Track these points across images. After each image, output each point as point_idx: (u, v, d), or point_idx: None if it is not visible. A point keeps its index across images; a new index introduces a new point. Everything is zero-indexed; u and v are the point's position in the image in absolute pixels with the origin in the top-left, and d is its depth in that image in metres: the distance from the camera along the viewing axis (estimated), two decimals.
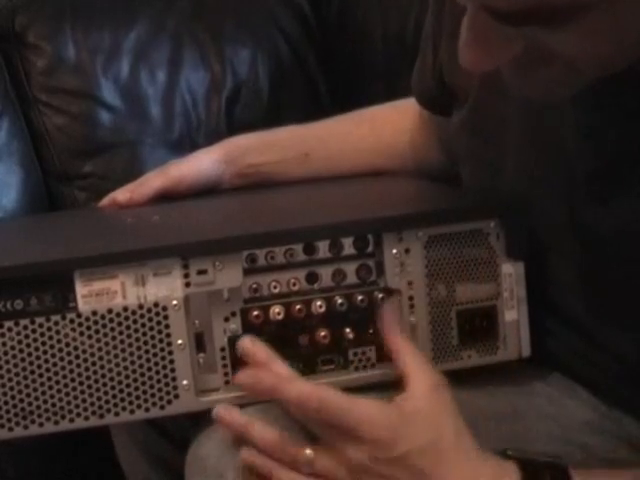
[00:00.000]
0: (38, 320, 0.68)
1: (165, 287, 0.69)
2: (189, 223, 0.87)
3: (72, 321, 0.68)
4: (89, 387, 0.69)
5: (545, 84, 0.58)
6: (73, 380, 0.69)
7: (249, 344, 0.70)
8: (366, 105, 1.05)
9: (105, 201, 1.01)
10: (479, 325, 0.74)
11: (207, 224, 0.86)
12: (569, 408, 0.75)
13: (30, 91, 1.44)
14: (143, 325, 0.69)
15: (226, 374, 0.71)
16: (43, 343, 0.68)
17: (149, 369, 0.69)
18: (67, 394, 0.69)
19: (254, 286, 0.71)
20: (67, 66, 1.44)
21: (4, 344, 0.68)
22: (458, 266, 0.73)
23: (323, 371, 0.73)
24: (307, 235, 0.72)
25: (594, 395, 0.75)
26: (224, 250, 0.70)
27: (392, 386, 0.70)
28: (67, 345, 0.68)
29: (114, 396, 0.69)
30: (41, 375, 0.68)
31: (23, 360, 0.68)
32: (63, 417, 0.69)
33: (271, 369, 0.68)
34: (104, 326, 0.69)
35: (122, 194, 0.98)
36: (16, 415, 0.69)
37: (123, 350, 0.69)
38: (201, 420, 0.73)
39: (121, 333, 0.69)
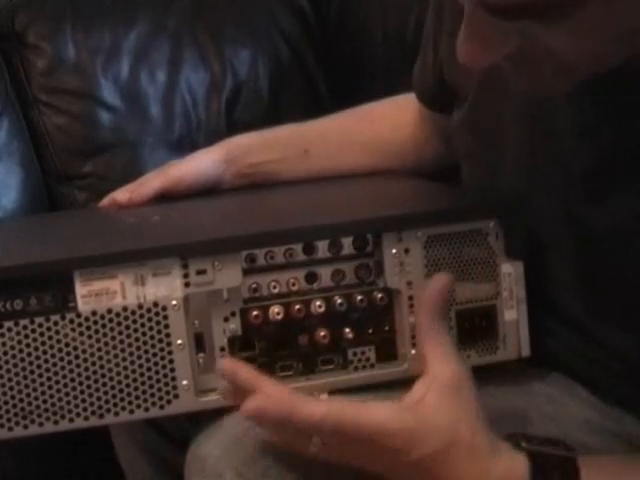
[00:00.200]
0: (38, 320, 0.68)
1: (164, 287, 0.69)
2: (189, 223, 0.87)
3: (72, 321, 0.68)
4: (89, 387, 0.69)
5: (542, 80, 0.58)
6: (73, 380, 0.69)
7: (231, 366, 0.67)
8: (366, 104, 1.05)
9: (105, 201, 1.01)
10: (478, 325, 0.74)
11: (207, 224, 0.86)
12: (569, 407, 0.75)
13: (30, 91, 1.44)
14: (143, 325, 0.69)
15: None
16: (43, 343, 0.68)
17: (149, 369, 0.69)
18: (67, 394, 0.69)
19: (253, 286, 0.71)
20: (67, 66, 1.44)
21: (4, 344, 0.68)
22: (457, 266, 0.73)
23: (322, 371, 0.73)
24: (306, 235, 0.72)
25: (594, 394, 0.75)
26: (223, 250, 0.70)
27: (392, 386, 0.70)
28: (67, 345, 0.68)
29: (114, 396, 0.69)
30: (41, 375, 0.68)
31: (23, 360, 0.68)
32: (63, 417, 0.69)
33: (262, 389, 0.64)
34: (104, 326, 0.69)
35: (122, 194, 0.99)
36: (16, 415, 0.69)
37: (123, 350, 0.69)
38: (201, 420, 0.73)
39: (121, 333, 0.69)
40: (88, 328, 0.68)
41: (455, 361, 0.65)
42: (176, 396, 0.70)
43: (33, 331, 0.68)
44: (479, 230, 0.73)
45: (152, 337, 0.69)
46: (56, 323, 0.68)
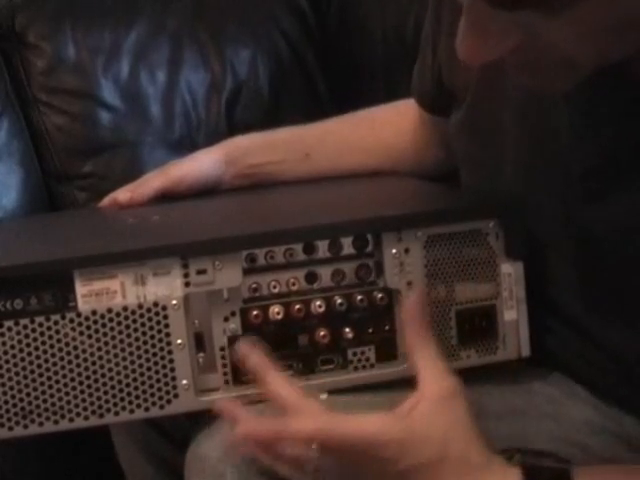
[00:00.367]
0: (38, 319, 0.68)
1: (165, 287, 0.69)
2: (189, 223, 0.87)
3: (72, 320, 0.68)
4: (89, 387, 0.69)
5: (543, 75, 0.58)
6: (73, 380, 0.69)
7: (246, 349, 0.68)
8: (366, 104, 1.05)
9: (105, 201, 1.01)
10: (478, 325, 0.74)
11: (207, 224, 0.86)
12: (568, 407, 0.75)
13: (30, 91, 1.44)
14: (143, 325, 0.69)
15: (225, 374, 0.71)
16: (43, 343, 0.68)
17: (149, 369, 0.69)
18: (67, 394, 0.69)
19: (254, 286, 0.71)
20: (67, 66, 1.44)
21: (4, 344, 0.68)
22: (457, 266, 0.73)
23: (322, 371, 0.73)
24: (306, 235, 0.72)
25: (593, 394, 0.75)
26: (224, 250, 0.70)
27: (392, 386, 0.70)
28: (67, 345, 0.68)
29: (114, 396, 0.69)
30: (41, 374, 0.68)
31: (23, 360, 0.68)
32: (63, 417, 0.69)
33: (265, 378, 0.65)
34: (104, 325, 0.69)
35: (122, 194, 0.99)
36: (16, 415, 0.69)
37: (123, 350, 0.69)
38: (201, 420, 0.73)
39: (121, 333, 0.69)
40: (88, 328, 0.69)
41: (445, 373, 0.64)
42: (176, 396, 0.70)
43: (33, 331, 0.68)
44: (479, 230, 0.73)
45: (152, 337, 0.69)
46: (56, 323, 0.68)
